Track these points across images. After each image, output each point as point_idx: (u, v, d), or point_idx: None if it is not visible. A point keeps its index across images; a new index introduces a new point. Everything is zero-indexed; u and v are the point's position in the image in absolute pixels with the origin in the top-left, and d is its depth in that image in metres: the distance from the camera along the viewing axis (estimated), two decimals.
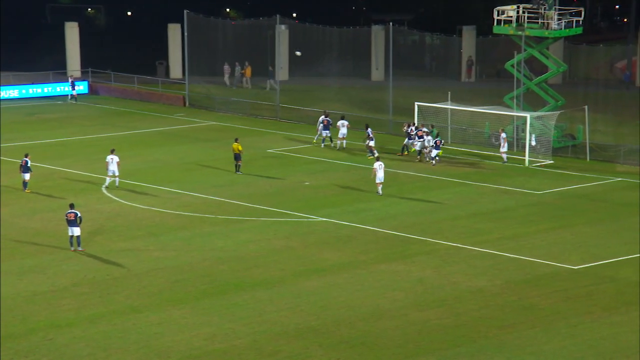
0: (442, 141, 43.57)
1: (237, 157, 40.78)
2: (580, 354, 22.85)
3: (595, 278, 28.12)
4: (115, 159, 38.24)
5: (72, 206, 30.47)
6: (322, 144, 46.19)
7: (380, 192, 37.34)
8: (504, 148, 43.75)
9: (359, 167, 42.55)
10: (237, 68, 64.70)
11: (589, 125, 45.61)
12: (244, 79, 64.03)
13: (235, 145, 40.93)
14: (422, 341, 23.52)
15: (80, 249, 30.17)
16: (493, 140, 47.13)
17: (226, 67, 65.25)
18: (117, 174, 38.31)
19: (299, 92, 60.73)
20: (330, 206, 36.02)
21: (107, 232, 32.27)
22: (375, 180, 37.36)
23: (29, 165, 38.10)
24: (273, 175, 41.00)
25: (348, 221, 33.92)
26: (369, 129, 44.10)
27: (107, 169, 38.28)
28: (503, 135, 43.95)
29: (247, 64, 63.96)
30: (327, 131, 46.19)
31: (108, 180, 38.28)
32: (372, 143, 43.75)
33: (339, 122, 45.84)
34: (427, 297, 26.48)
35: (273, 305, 25.78)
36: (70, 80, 61.36)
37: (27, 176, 37.94)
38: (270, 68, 63.02)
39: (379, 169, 37.35)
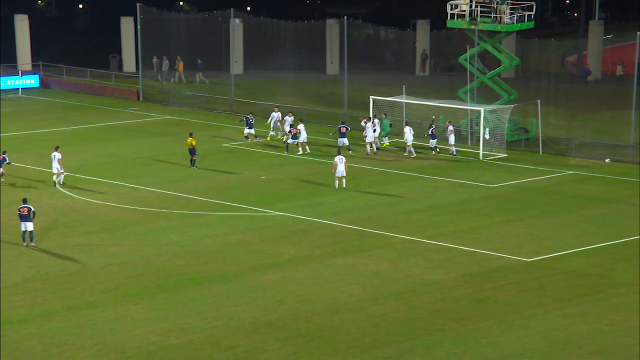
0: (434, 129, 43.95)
1: (192, 151, 40.56)
2: (534, 345, 23.17)
3: (547, 270, 28.51)
4: (58, 155, 37.29)
5: (25, 201, 30.03)
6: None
7: (344, 185, 37.32)
8: (451, 140, 44.09)
9: (315, 161, 42.57)
10: (165, 62, 64.35)
11: (542, 118, 46.19)
12: (177, 73, 63.69)
13: (189, 139, 40.72)
14: (378, 334, 23.65)
15: (33, 244, 29.76)
16: (447, 134, 47.48)
17: (155, 61, 64.88)
18: (60, 170, 37.54)
19: (253, 86, 60.56)
20: (286, 200, 36.00)
21: (60, 227, 31.87)
22: (335, 174, 37.41)
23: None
24: (229, 170, 40.85)
25: (304, 215, 33.94)
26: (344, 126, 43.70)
27: (52, 166, 37.59)
28: (450, 127, 44.29)
29: (179, 58, 63.72)
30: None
31: (54, 177, 37.65)
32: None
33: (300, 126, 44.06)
34: (384, 291, 26.62)
35: (230, 300, 25.71)
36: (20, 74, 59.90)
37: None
38: (199, 61, 62.95)
39: (340, 163, 37.35)
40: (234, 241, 31.01)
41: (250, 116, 45.74)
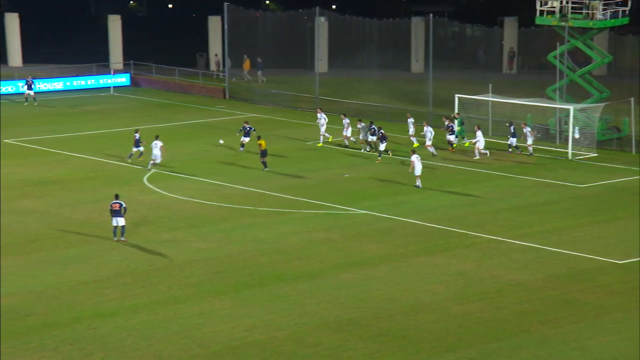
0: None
1: (263, 153, 39.90)
2: (626, 350, 22.54)
3: None
4: (159, 143, 40.10)
5: (117, 197, 30.77)
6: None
7: (419, 184, 37.15)
8: (530, 140, 43.18)
9: (398, 160, 42.38)
10: (228, 61, 65.02)
11: (635, 117, 44.94)
12: (243, 72, 64.31)
13: (261, 141, 39.86)
14: (462, 334, 23.40)
15: (123, 239, 30.48)
16: (535, 132, 46.68)
17: (216, 60, 65.42)
18: (158, 160, 40.04)
19: (338, 84, 60.66)
20: (370, 199, 35.95)
21: (149, 223, 32.54)
22: (413, 173, 37.22)
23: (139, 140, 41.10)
24: (313, 168, 41.01)
25: (388, 214, 33.83)
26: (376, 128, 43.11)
27: (152, 153, 40.05)
28: (527, 129, 43.42)
29: (245, 57, 64.33)
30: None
31: (151, 162, 40.02)
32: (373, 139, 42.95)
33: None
34: (468, 291, 26.32)
35: (313, 298, 25.81)
36: (27, 79, 57.18)
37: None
38: (259, 60, 63.38)
39: (417, 162, 37.17)
40: (318, 239, 31.12)
41: (247, 125, 44.10)
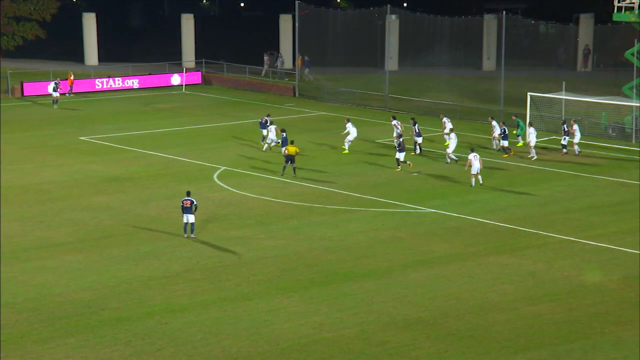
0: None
1: (292, 159, 38.21)
2: None
3: None
4: (274, 127, 43.41)
5: (188, 193, 31.17)
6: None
7: (480, 182, 36.68)
8: (576, 139, 42.07)
9: (466, 158, 41.91)
10: (281, 59, 65.12)
11: None
12: (299, 69, 64.46)
13: (291, 148, 38.32)
14: (533, 336, 23.04)
15: (193, 236, 30.87)
16: (610, 131, 45.73)
17: (266, 58, 65.59)
18: (274, 143, 42.91)
19: (408, 82, 60.38)
20: (438, 197, 35.68)
21: (218, 220, 32.88)
22: (470, 172, 36.81)
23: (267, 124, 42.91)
24: (382, 165, 40.89)
25: (456, 212, 33.53)
26: (416, 125, 42.44)
27: (269, 136, 43.09)
28: (575, 126, 42.37)
29: (299, 54, 64.54)
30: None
31: (265, 146, 43.21)
32: (419, 139, 42.42)
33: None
34: (539, 291, 25.91)
35: (381, 296, 25.74)
36: (55, 82, 56.01)
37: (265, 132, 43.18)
38: (306, 58, 63.33)
39: (474, 160, 36.73)
40: (386, 237, 31.03)
41: (267, 118, 44.45)
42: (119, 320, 24.14)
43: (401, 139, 40.14)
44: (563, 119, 43.66)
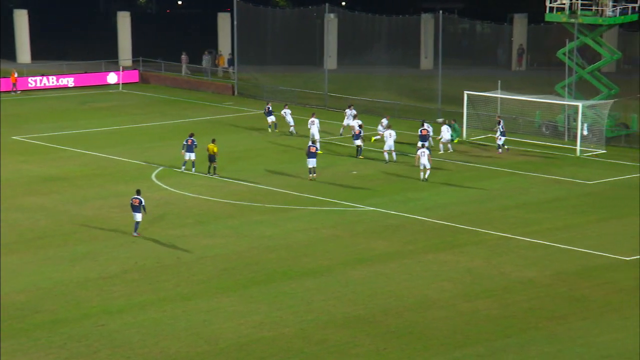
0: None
1: (211, 158, 38.26)
2: (632, 346, 22.48)
3: None
4: (289, 111, 46.07)
5: (138, 192, 30.89)
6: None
7: (426, 177, 37.27)
8: (499, 137, 42.62)
9: (407, 156, 42.30)
10: (207, 57, 65.18)
11: None
12: (219, 68, 64.53)
13: (211, 146, 38.34)
14: (470, 332, 23.36)
15: (135, 234, 30.56)
16: (544, 129, 46.57)
17: (184, 57, 65.58)
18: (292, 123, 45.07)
19: (347, 80, 60.61)
20: (378, 195, 35.92)
21: (156, 220, 32.58)
22: (419, 167, 37.32)
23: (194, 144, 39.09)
24: (321, 164, 40.98)
25: (396, 210, 33.79)
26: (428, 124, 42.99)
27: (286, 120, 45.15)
28: (501, 123, 43.10)
29: (220, 52, 64.59)
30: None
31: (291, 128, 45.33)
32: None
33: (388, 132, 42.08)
34: (476, 288, 26.28)
35: (320, 294, 25.81)
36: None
37: (192, 155, 38.99)
38: (229, 55, 63.72)
39: (422, 156, 37.32)
40: (326, 236, 31.12)
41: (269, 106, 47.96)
42: (54, 323, 23.76)
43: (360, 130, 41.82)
44: (498, 118, 44.29)
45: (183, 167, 39.25)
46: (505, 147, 42.83)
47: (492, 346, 22.55)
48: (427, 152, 37.75)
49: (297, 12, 64.83)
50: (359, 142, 42.10)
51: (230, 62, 64.77)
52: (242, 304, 25.13)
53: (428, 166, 37.55)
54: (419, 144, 41.21)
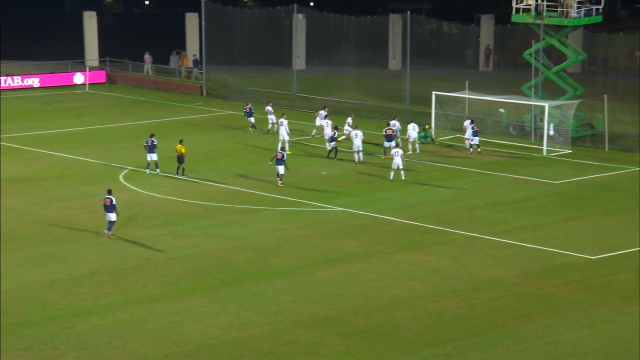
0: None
1: (180, 159, 38.15)
2: (598, 344, 22.75)
3: (612, 268, 27.96)
4: (271, 109, 46.33)
5: (109, 192, 30.70)
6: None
7: (402, 177, 37.43)
8: (472, 138, 42.77)
9: (376, 156, 42.44)
10: (175, 58, 65.07)
11: (608, 114, 45.30)
12: (182, 68, 64.51)
13: (178, 146, 38.23)
14: (438, 331, 23.49)
15: (110, 233, 30.48)
16: (511, 129, 46.94)
17: (147, 57, 65.46)
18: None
19: (315, 81, 60.66)
20: (347, 196, 35.99)
21: (124, 221, 32.37)
22: (391, 166, 37.49)
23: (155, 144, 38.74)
24: (290, 165, 40.94)
25: (365, 211, 33.89)
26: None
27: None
28: (467, 122, 43.45)
29: (184, 53, 64.59)
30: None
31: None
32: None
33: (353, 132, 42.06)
34: (444, 287, 26.43)
35: (290, 295, 25.81)
36: None
37: (154, 156, 38.57)
38: (194, 56, 63.81)
39: (396, 155, 37.50)
40: (295, 236, 31.13)
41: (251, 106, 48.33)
42: (19, 325, 23.53)
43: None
44: (467, 118, 44.54)
45: (148, 170, 38.97)
46: (478, 148, 42.97)
47: (460, 345, 22.71)
48: (400, 151, 37.95)
49: (265, 13, 64.74)
50: (334, 144, 42.10)
51: (195, 62, 64.64)
52: (211, 305, 25.06)
53: (402, 166, 37.72)
54: (385, 144, 41.43)
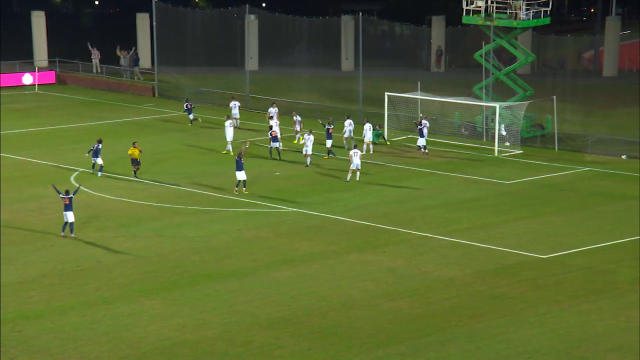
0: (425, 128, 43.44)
1: (135, 162, 37.91)
2: (549, 342, 23.10)
3: (563, 267, 28.41)
4: (237, 103, 47.71)
5: (67, 192, 30.35)
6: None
7: (357, 178, 37.60)
8: (423, 139, 43.07)
9: (330, 157, 42.52)
10: (125, 57, 64.55)
11: (558, 115, 46.00)
12: (121, 67, 64.33)
13: (132, 149, 37.92)
14: (393, 331, 23.64)
15: (72, 235, 30.30)
16: (463, 130, 47.41)
17: (94, 51, 64.98)
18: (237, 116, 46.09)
19: (268, 82, 60.59)
20: (301, 196, 36.03)
21: (76, 223, 31.97)
22: (350, 167, 37.63)
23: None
24: (245, 166, 40.83)
25: (319, 211, 33.95)
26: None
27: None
28: (425, 122, 43.79)
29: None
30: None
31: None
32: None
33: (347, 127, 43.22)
34: (398, 287, 26.60)
35: (244, 296, 25.76)
36: None
37: (99, 160, 38.58)
38: (136, 55, 63.78)
39: (355, 156, 37.64)
40: (249, 237, 31.07)
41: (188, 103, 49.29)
42: None
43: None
44: (419, 120, 44.78)
45: (100, 173, 38.64)
46: (425, 149, 43.16)
47: (414, 344, 22.88)
48: (359, 152, 38.05)
49: (217, 13, 64.49)
50: (276, 144, 42.07)
51: (136, 62, 64.18)
52: (165, 307, 24.90)
53: (360, 166, 37.82)
54: (328, 143, 41.75)
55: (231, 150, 42.66)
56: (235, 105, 48.79)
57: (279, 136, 42.37)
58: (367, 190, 37.15)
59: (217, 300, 25.40)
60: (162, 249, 29.68)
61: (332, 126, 42.61)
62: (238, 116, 48.27)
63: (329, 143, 42.02)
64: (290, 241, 30.69)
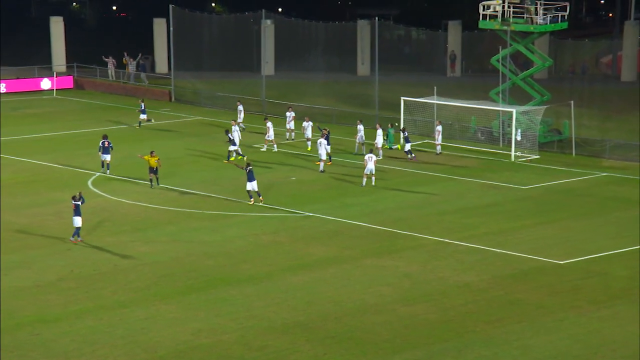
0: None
1: (153, 170, 37.17)
2: (566, 348, 22.96)
3: (581, 272, 28.25)
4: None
5: (74, 198, 30.49)
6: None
7: (373, 183, 37.56)
8: (439, 140, 43.80)
9: (345, 162, 42.54)
10: (132, 65, 64.84)
11: (575, 120, 45.80)
12: (128, 72, 64.57)
13: (147, 157, 37.23)
14: (409, 336, 23.57)
15: (79, 239, 30.29)
16: (479, 135, 47.28)
17: (110, 60, 65.26)
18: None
19: (284, 87, 60.67)
20: (317, 201, 36.02)
21: (93, 227, 32.14)
22: (364, 172, 37.58)
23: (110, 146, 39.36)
24: (260, 171, 40.90)
25: (335, 216, 33.93)
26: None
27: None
28: (439, 127, 43.87)
29: (126, 55, 64.90)
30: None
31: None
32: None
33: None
34: (414, 292, 26.53)
35: (260, 301, 25.77)
36: None
37: (107, 157, 39.12)
38: (140, 61, 63.94)
39: (369, 161, 37.59)
40: (265, 242, 31.08)
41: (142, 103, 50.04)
42: None
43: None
44: (440, 124, 44.72)
45: (108, 172, 38.99)
46: (412, 154, 42.79)
47: (430, 350, 22.80)
48: (374, 157, 38.01)
49: (233, 18, 64.66)
50: (235, 147, 42.03)
51: (143, 68, 64.45)
52: (181, 311, 24.94)
53: (374, 171, 37.80)
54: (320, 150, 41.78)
55: (240, 152, 42.71)
56: (240, 110, 49.09)
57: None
58: (383, 195, 37.10)
59: (232, 305, 25.42)
60: (178, 254, 29.74)
61: (327, 135, 41.93)
62: (241, 120, 48.21)
63: (328, 148, 41.64)
64: (306, 246, 30.68)
